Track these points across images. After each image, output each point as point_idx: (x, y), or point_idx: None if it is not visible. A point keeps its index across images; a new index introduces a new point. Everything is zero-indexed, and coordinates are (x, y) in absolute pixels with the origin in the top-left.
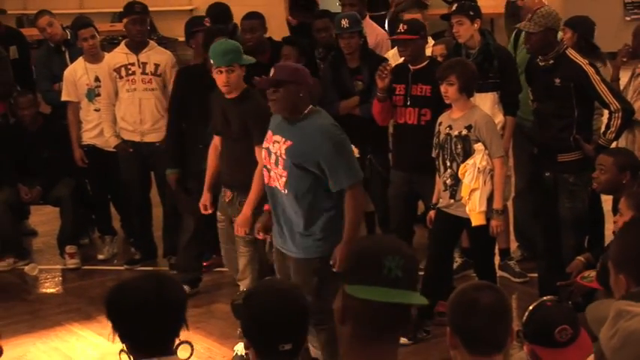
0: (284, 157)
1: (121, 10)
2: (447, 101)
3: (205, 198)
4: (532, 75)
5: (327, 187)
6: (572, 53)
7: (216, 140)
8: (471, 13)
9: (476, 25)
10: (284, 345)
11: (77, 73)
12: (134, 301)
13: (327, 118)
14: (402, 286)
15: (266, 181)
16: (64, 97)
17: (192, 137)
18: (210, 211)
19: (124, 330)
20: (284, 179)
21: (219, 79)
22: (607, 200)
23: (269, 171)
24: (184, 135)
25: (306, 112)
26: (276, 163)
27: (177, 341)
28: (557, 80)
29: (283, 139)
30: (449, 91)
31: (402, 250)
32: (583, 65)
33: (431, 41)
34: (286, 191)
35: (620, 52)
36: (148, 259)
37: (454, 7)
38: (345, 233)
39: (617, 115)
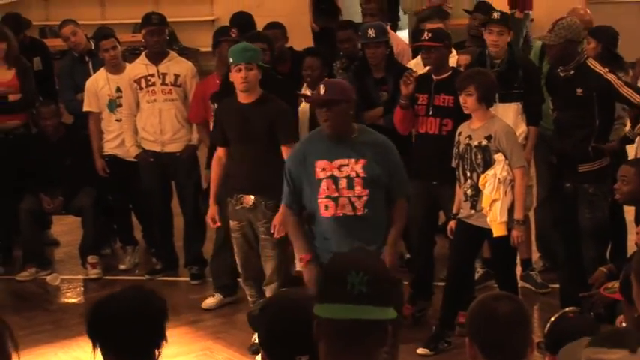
0: (363, 175)
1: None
2: (467, 111)
3: (213, 211)
4: (553, 85)
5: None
6: (592, 63)
7: (219, 152)
8: (510, 24)
9: (510, 36)
10: (301, 356)
11: (99, 84)
12: (116, 315)
13: (377, 133)
14: (366, 301)
15: (330, 213)
16: (85, 108)
17: None
18: (219, 224)
19: (106, 345)
20: (365, 199)
21: (237, 77)
22: (629, 211)
23: (335, 200)
24: None
25: (358, 129)
26: (351, 187)
27: (157, 353)
28: (579, 90)
29: (353, 160)
30: (468, 101)
31: (368, 266)
32: (603, 74)
33: (453, 51)
34: (365, 211)
35: (639, 61)
36: (169, 269)
37: (496, 16)
38: (391, 237)
39: None
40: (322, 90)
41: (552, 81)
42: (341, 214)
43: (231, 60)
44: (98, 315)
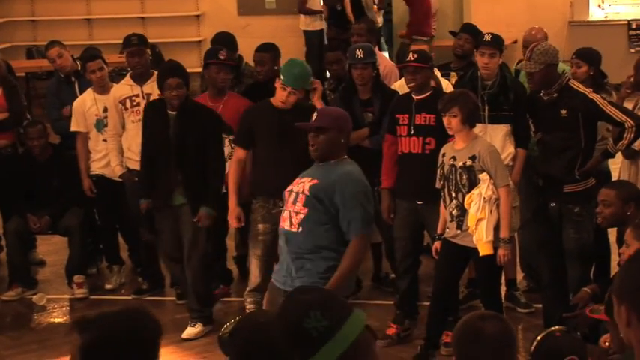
0: (306, 193)
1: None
2: (450, 132)
3: (239, 211)
4: (534, 108)
5: (337, 233)
6: (574, 84)
7: (241, 154)
8: (502, 47)
9: (500, 59)
10: None
11: (86, 104)
12: (106, 338)
13: (358, 169)
14: (336, 328)
15: (280, 225)
16: (73, 128)
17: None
18: (243, 223)
19: None
20: (301, 216)
21: (281, 94)
22: (612, 231)
23: (285, 213)
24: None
25: (341, 158)
26: (295, 202)
27: None
28: (564, 111)
29: (309, 179)
30: (452, 122)
31: (310, 300)
32: (587, 94)
33: (437, 72)
34: (300, 229)
35: (624, 83)
36: (155, 288)
37: (487, 38)
38: (332, 279)
39: (630, 130)
40: (314, 116)
41: (533, 104)
42: (282, 227)
43: (282, 77)
44: (93, 339)
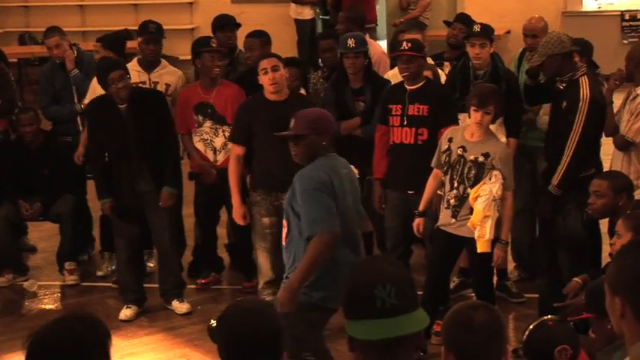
0: (284, 205)
1: (123, 28)
2: (479, 128)
3: (244, 209)
4: (550, 94)
5: None
6: (582, 81)
7: (239, 151)
8: (492, 36)
9: (492, 48)
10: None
11: None
12: (57, 346)
13: (316, 168)
14: (399, 312)
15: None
16: (87, 101)
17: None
18: (249, 221)
19: None
20: (285, 230)
21: (266, 79)
22: (604, 222)
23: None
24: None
25: (315, 159)
26: (283, 215)
27: None
28: (564, 104)
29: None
30: (485, 119)
31: (392, 276)
32: (583, 99)
33: (430, 62)
34: (285, 245)
35: (614, 75)
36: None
37: (477, 29)
38: (290, 277)
39: (566, 159)
40: (292, 123)
41: (549, 90)
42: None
43: None
44: (38, 347)
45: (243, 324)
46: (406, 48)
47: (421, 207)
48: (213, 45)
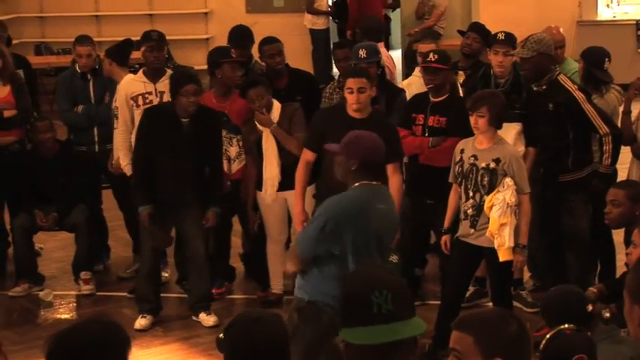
0: None
1: (138, 38)
2: (477, 132)
3: (306, 215)
4: (528, 99)
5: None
6: (562, 79)
7: (309, 156)
8: (515, 45)
9: (514, 57)
10: None
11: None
12: (77, 348)
13: (345, 196)
14: (395, 318)
15: None
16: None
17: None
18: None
19: None
20: None
21: (352, 98)
22: (618, 232)
23: None
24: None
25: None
26: None
27: None
28: (551, 105)
29: None
30: (479, 122)
31: (388, 282)
32: (572, 90)
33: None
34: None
35: (633, 84)
36: None
37: (501, 37)
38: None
39: (606, 139)
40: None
41: (528, 96)
42: None
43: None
44: (59, 348)
45: (248, 333)
46: (432, 60)
47: (446, 224)
48: (234, 55)
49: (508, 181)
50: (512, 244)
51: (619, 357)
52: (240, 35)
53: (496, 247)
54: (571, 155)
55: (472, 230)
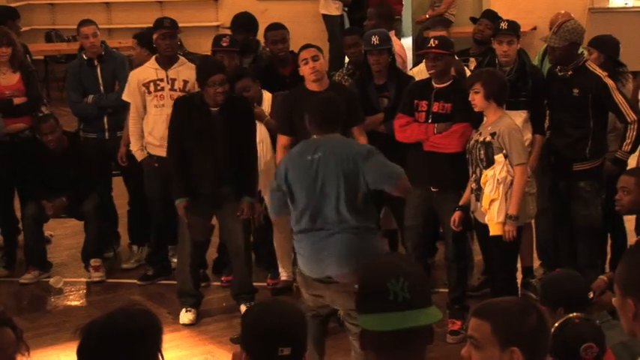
0: None
1: (149, 25)
2: (476, 109)
3: None
4: (550, 85)
5: None
6: (591, 65)
7: (285, 141)
8: (519, 33)
9: (518, 45)
10: (283, 349)
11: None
12: (107, 337)
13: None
14: (411, 306)
15: None
16: (124, 98)
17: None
18: None
19: None
20: None
21: (307, 69)
22: (629, 220)
23: None
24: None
25: None
26: None
27: None
28: (576, 91)
29: None
30: (475, 98)
31: (406, 270)
32: (602, 77)
33: (455, 58)
34: None
35: None
36: (161, 275)
37: (504, 26)
38: None
39: (632, 126)
40: None
41: (549, 81)
42: None
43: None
44: (93, 337)
45: (269, 309)
46: (433, 45)
47: (462, 202)
48: (224, 44)
49: (497, 157)
50: (501, 220)
51: (610, 342)
52: (240, 22)
53: (487, 222)
54: (589, 144)
55: (478, 204)
